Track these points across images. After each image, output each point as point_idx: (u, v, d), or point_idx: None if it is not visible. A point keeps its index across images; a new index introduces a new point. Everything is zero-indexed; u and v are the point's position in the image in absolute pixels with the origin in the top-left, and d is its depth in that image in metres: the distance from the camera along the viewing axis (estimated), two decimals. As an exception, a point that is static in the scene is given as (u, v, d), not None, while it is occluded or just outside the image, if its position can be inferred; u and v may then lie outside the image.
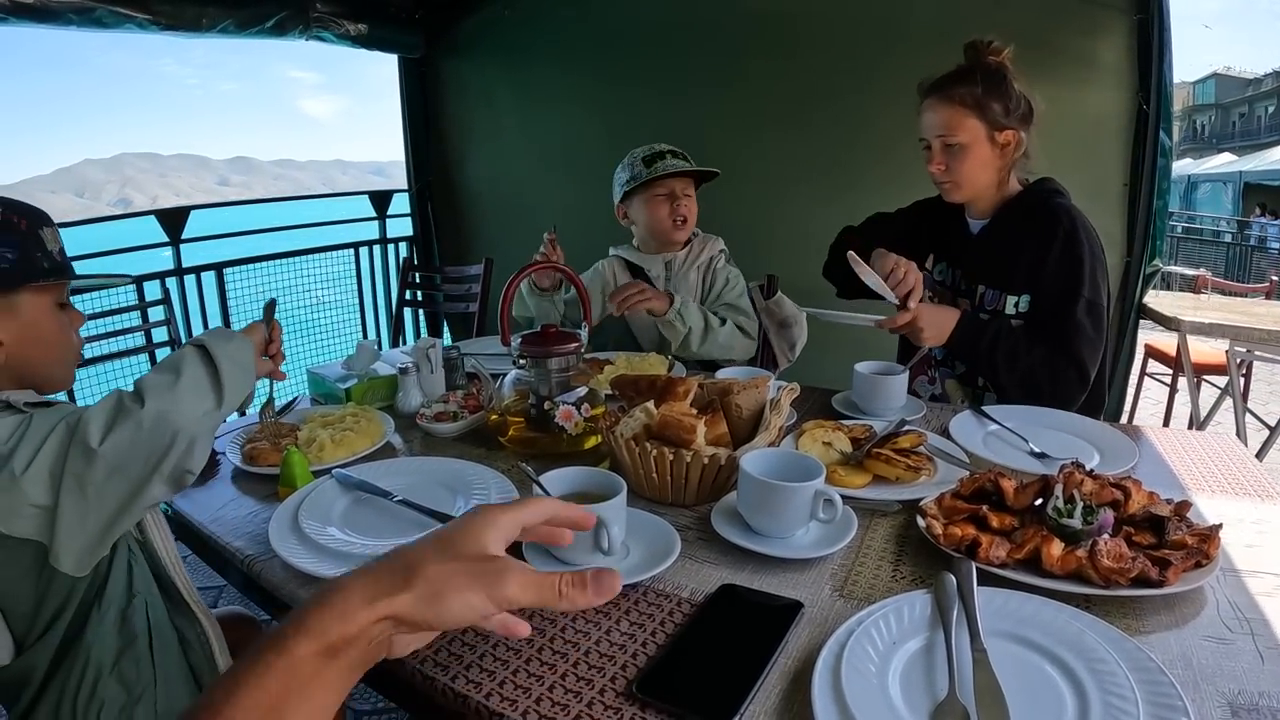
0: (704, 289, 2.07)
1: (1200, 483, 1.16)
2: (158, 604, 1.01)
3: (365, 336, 4.45)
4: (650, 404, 1.19)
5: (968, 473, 1.08)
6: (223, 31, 3.15)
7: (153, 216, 3.49)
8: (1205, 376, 3.46)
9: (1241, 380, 3.10)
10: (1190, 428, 3.91)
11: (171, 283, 3.37)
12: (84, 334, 1.15)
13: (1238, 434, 3.03)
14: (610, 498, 0.91)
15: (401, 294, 3.72)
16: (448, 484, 1.17)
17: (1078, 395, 1.47)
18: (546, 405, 1.34)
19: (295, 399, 1.66)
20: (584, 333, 1.41)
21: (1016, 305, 1.55)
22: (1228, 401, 3.26)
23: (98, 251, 3.13)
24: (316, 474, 1.22)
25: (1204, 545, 0.87)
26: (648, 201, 1.99)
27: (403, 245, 4.50)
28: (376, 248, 4.43)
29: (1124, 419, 3.43)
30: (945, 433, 1.32)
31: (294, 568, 0.95)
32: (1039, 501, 0.96)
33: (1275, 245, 12.35)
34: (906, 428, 1.22)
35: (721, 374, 1.44)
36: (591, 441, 1.34)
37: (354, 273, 4.36)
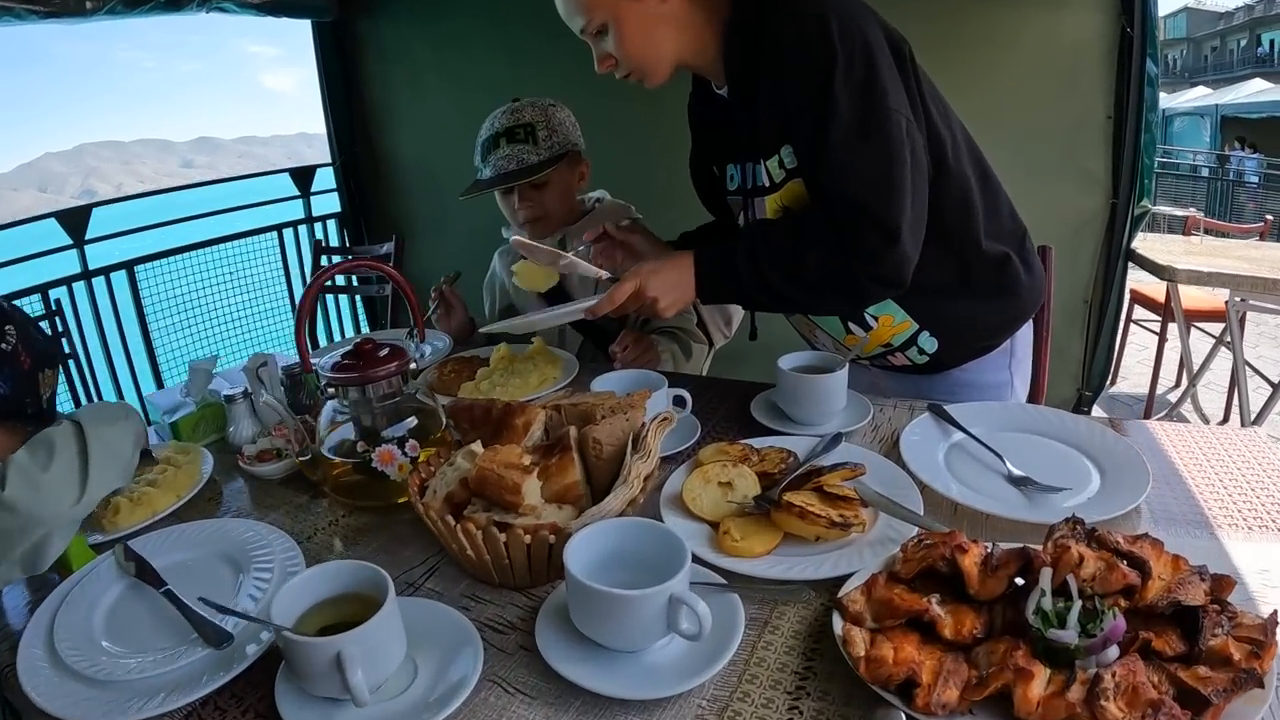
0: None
1: (1231, 512, 0.84)
2: None
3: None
4: (477, 445, 0.86)
5: (915, 530, 0.76)
6: (110, 13, 2.84)
7: (53, 219, 3.13)
8: (1194, 323, 3.18)
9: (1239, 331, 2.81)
10: (1180, 379, 3.66)
11: (79, 288, 3.06)
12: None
13: (1238, 391, 2.75)
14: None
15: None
16: (232, 557, 0.91)
17: (901, 263, 1.01)
18: (360, 447, 1.00)
19: None
20: (411, 346, 1.06)
21: (781, 166, 1.08)
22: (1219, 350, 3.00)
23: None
24: (109, 545, 0.94)
25: (1256, 660, 0.55)
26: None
27: (331, 224, 4.15)
28: (302, 228, 4.08)
29: (1110, 373, 3.15)
30: (895, 445, 1.00)
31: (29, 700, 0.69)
32: (1019, 582, 0.64)
33: (1254, 179, 12.10)
34: (835, 461, 0.88)
35: (598, 384, 1.10)
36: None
37: (279, 257, 4.00)
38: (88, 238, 3.15)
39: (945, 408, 1.08)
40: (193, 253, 3.66)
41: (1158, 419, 1.82)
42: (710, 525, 0.83)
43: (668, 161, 1.66)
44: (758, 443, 0.98)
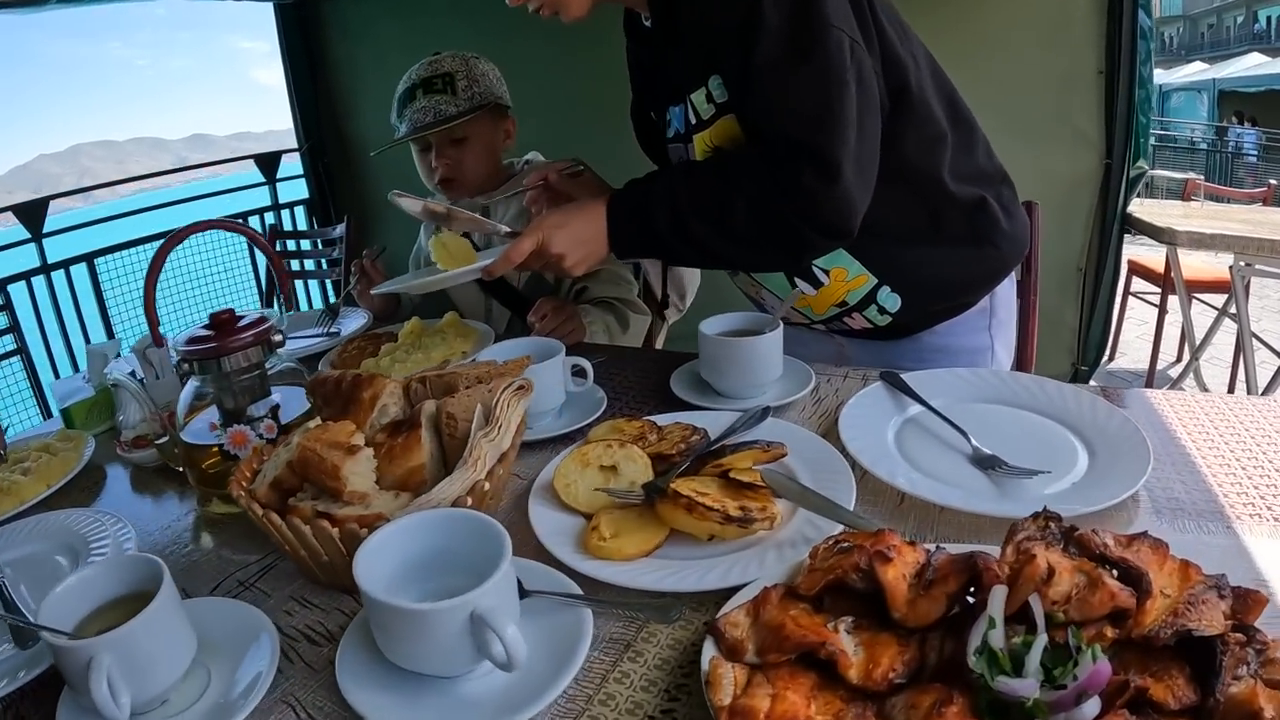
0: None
1: (1253, 500, 0.66)
2: None
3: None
4: (314, 421, 0.69)
5: (840, 528, 0.58)
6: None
7: (10, 213, 3.01)
8: (1195, 294, 3.00)
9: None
10: (1181, 353, 3.47)
11: (38, 282, 2.94)
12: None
13: (1244, 363, 2.58)
14: None
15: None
16: (74, 549, 0.83)
17: (845, 208, 0.85)
18: (211, 428, 0.84)
19: None
20: (278, 313, 0.90)
21: (709, 99, 0.92)
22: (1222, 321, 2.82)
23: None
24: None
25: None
26: (413, 145, 1.47)
27: (299, 211, 4.00)
28: (269, 215, 3.93)
29: (1108, 346, 2.97)
30: (835, 421, 0.82)
31: None
32: (970, 600, 0.46)
33: (1253, 153, 11.91)
34: (746, 439, 0.70)
35: (485, 354, 0.92)
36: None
37: (245, 246, 3.85)
38: (45, 231, 3.00)
39: (903, 376, 0.90)
40: (155, 244, 3.53)
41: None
42: (588, 519, 0.66)
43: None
44: (664, 419, 0.80)
